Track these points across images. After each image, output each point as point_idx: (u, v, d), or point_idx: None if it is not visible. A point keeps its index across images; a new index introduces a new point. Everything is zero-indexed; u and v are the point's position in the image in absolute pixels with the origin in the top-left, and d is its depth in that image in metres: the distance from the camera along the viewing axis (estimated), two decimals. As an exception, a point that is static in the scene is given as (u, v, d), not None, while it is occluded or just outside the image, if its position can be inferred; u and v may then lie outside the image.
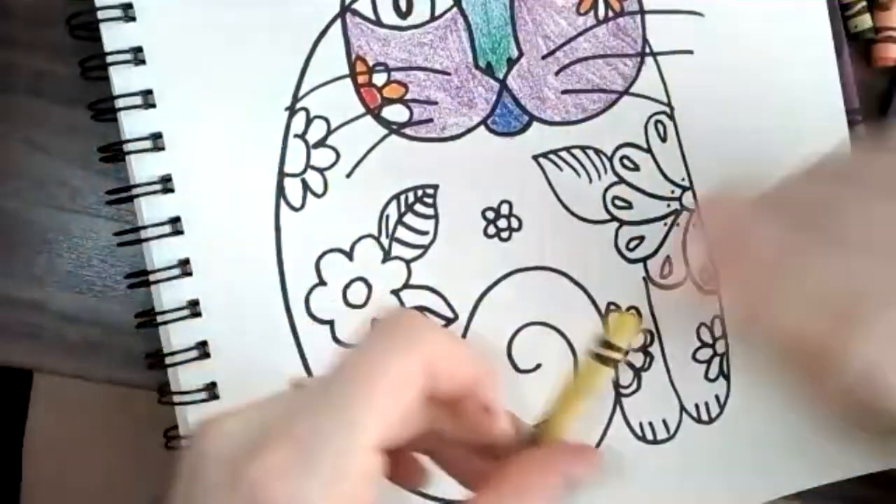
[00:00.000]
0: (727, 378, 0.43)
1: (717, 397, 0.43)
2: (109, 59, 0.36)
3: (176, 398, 0.36)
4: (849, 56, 0.45)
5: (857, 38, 0.46)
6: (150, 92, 0.36)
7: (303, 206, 0.38)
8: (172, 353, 0.36)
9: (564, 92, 0.41)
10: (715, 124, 0.43)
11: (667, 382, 0.42)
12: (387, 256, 0.39)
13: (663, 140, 0.43)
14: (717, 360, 0.43)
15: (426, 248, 0.40)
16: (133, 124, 0.36)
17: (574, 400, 0.28)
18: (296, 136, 0.38)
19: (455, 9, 0.40)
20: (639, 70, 0.43)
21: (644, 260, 0.42)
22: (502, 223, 0.41)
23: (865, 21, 0.45)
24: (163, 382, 0.37)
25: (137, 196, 0.36)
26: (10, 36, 0.38)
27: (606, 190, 0.42)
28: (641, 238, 0.42)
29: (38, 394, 0.63)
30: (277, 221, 0.38)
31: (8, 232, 0.38)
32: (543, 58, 0.41)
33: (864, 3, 0.45)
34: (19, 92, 0.39)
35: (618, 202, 0.42)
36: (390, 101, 0.39)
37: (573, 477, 0.27)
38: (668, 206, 0.43)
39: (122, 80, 0.36)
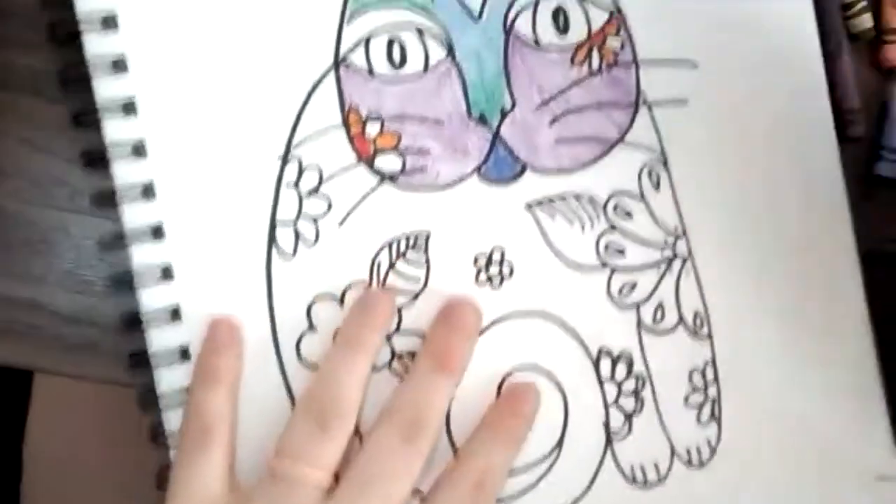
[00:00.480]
0: (719, 423, 0.44)
1: (708, 442, 0.43)
2: (101, 111, 0.37)
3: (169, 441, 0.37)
4: (849, 56, 0.45)
5: (857, 38, 0.46)
6: (141, 142, 0.37)
7: (294, 254, 0.39)
8: (164, 399, 0.37)
9: (558, 141, 0.42)
10: (709, 172, 0.44)
11: (658, 427, 0.43)
12: (378, 303, 0.40)
13: (657, 188, 0.43)
14: (708, 404, 0.43)
15: (417, 294, 0.40)
16: (124, 174, 0.37)
17: None
18: (288, 185, 0.39)
19: (448, 60, 0.41)
20: (633, 119, 0.43)
21: (636, 306, 0.43)
22: (494, 270, 0.41)
23: (865, 21, 0.45)
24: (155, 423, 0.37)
25: (128, 245, 0.37)
26: (10, 35, 0.39)
27: (599, 237, 0.42)
28: (634, 285, 0.43)
29: (38, 394, 0.64)
30: (269, 269, 0.39)
31: (7, 232, 0.39)
32: (537, 108, 0.41)
33: (864, 3, 0.45)
34: (19, 91, 0.39)
35: (610, 249, 0.42)
36: (383, 151, 0.40)
37: None
38: (662, 253, 0.43)
39: (114, 130, 0.37)
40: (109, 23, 0.38)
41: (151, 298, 0.38)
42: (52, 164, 0.39)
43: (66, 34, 0.37)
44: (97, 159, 0.37)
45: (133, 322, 0.38)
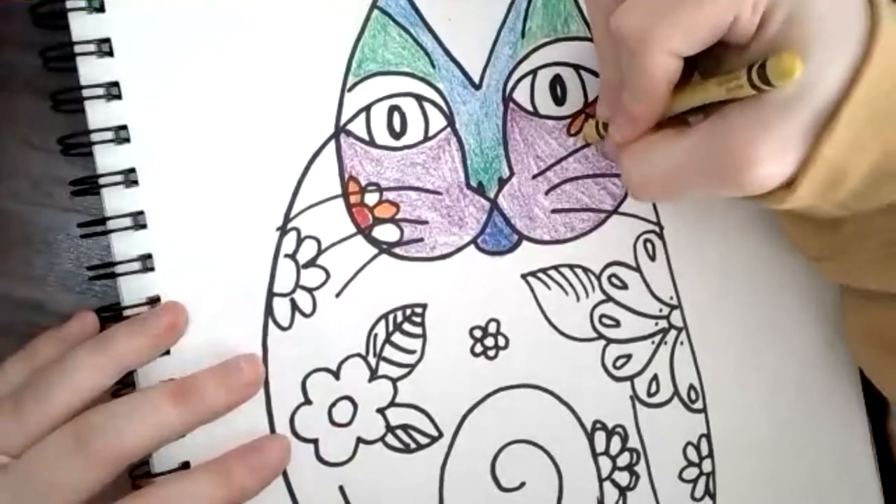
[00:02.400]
0: (713, 497, 0.43)
1: (702, 516, 0.43)
2: (102, 181, 0.36)
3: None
4: None
5: None
6: (141, 213, 0.36)
7: (291, 325, 0.38)
8: (157, 475, 0.36)
9: (554, 211, 0.42)
10: (703, 243, 0.44)
11: (652, 502, 0.42)
12: (373, 375, 0.39)
13: (652, 259, 0.43)
14: (703, 479, 0.43)
15: (413, 366, 0.40)
16: (123, 246, 0.37)
17: (700, 93, 0.32)
18: (286, 255, 0.38)
19: (448, 129, 0.40)
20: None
21: (631, 378, 0.43)
22: (489, 342, 0.41)
23: None
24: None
25: (126, 318, 0.36)
26: (9, 35, 0.39)
27: (594, 308, 0.42)
28: (629, 356, 0.42)
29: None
30: (265, 341, 0.38)
31: (7, 232, 0.39)
32: (534, 177, 0.41)
33: None
34: (18, 91, 0.39)
35: (605, 320, 0.42)
36: (382, 221, 0.40)
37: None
38: (656, 324, 0.43)
39: (114, 200, 0.37)
40: (113, 93, 0.37)
41: (147, 372, 0.37)
42: (52, 164, 0.39)
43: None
44: (98, 234, 0.37)
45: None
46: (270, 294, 0.38)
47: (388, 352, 0.39)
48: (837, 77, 0.29)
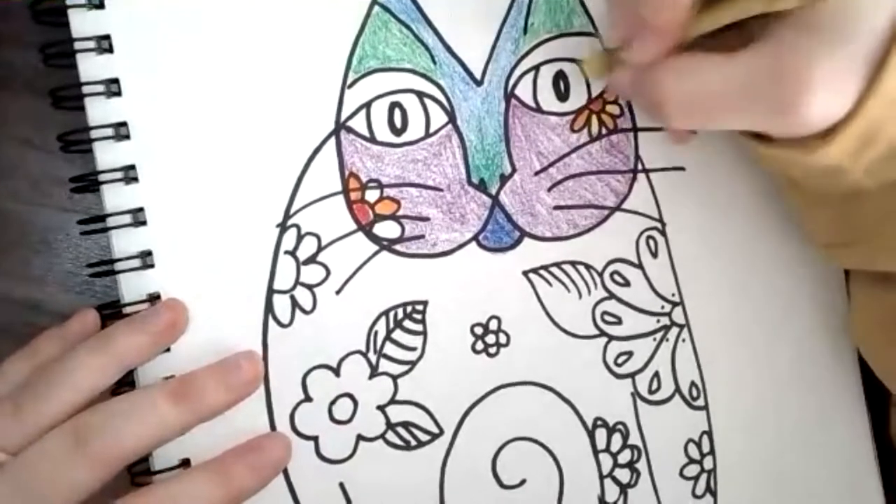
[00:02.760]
0: (714, 495, 0.43)
1: (704, 514, 0.43)
2: (102, 177, 0.36)
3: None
4: None
5: None
6: (140, 210, 0.36)
7: (291, 322, 0.38)
8: (157, 472, 0.36)
9: (556, 208, 0.41)
10: (706, 240, 0.44)
11: (653, 500, 0.42)
12: (374, 372, 0.39)
13: (654, 256, 0.43)
14: (704, 476, 0.43)
15: (413, 363, 0.40)
16: (123, 243, 0.37)
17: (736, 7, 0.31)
18: (286, 252, 0.38)
19: (449, 125, 0.40)
20: (631, 186, 0.43)
21: (632, 375, 0.42)
22: (490, 339, 0.41)
23: None
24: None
25: (126, 315, 0.36)
26: (9, 35, 0.39)
27: (596, 305, 0.42)
28: (630, 353, 0.42)
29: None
30: (265, 338, 0.38)
31: (6, 232, 0.39)
32: (536, 174, 0.41)
33: None
34: (17, 91, 0.39)
35: (607, 317, 0.42)
36: (382, 218, 0.39)
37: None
38: (658, 321, 0.43)
39: (114, 198, 0.37)
40: (113, 90, 0.37)
41: (147, 370, 0.37)
42: (51, 163, 0.39)
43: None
44: (98, 231, 0.37)
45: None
46: (270, 291, 0.38)
47: (389, 349, 0.39)
48: (888, 15, 0.28)
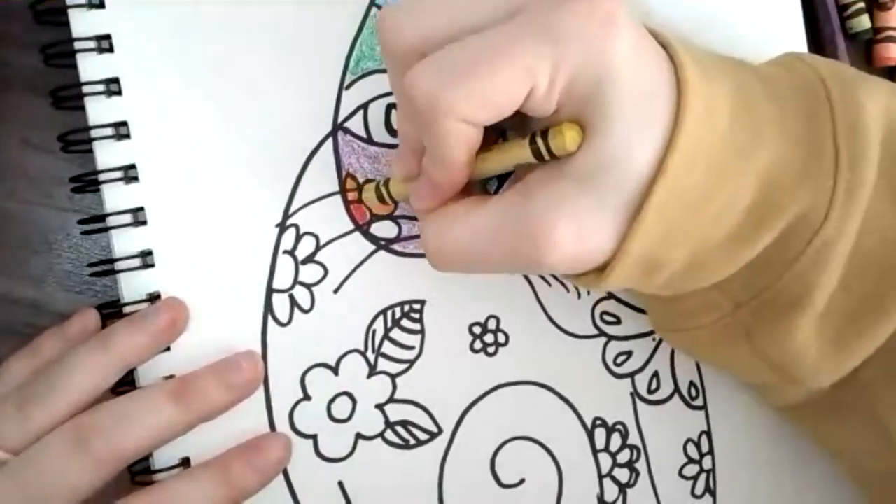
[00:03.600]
0: (713, 494, 0.43)
1: (703, 513, 0.43)
2: (102, 177, 0.37)
3: None
4: (846, 58, 0.45)
5: (856, 38, 0.46)
6: (141, 209, 0.37)
7: (290, 321, 0.38)
8: (157, 472, 0.36)
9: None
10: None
11: (652, 499, 0.42)
12: (372, 371, 0.39)
13: (653, 255, 0.43)
14: (703, 476, 0.43)
15: (412, 362, 0.40)
16: (123, 242, 0.37)
17: (508, 155, 0.30)
18: (285, 252, 0.39)
19: (447, 126, 0.40)
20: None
21: (631, 375, 0.42)
22: (489, 338, 0.41)
23: (863, 22, 0.46)
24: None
25: (126, 314, 0.36)
26: (8, 35, 0.39)
27: (595, 305, 0.42)
28: (629, 353, 0.42)
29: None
30: (264, 337, 0.38)
31: (6, 232, 0.39)
32: (536, 171, 0.41)
33: (861, 5, 0.46)
34: (17, 91, 0.39)
35: (606, 317, 0.42)
36: (379, 218, 0.40)
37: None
38: (657, 321, 0.43)
39: (114, 197, 0.37)
40: (113, 89, 0.38)
41: (147, 369, 0.37)
42: (51, 163, 0.39)
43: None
44: (98, 231, 0.37)
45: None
46: (270, 290, 0.38)
47: (387, 348, 0.40)
48: (644, 163, 0.28)
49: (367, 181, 0.39)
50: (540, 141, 0.29)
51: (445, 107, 0.27)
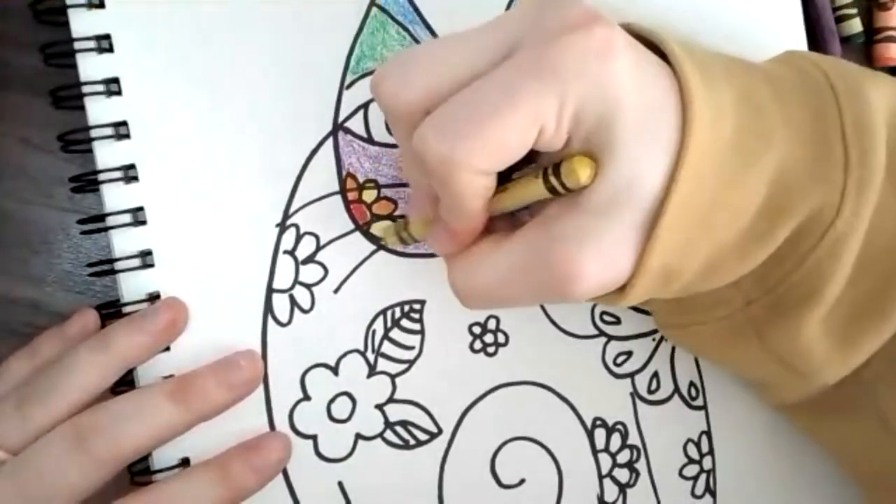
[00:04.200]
0: (713, 495, 0.43)
1: (703, 514, 0.43)
2: (102, 177, 0.37)
3: None
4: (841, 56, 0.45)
5: (849, 41, 0.47)
6: (140, 209, 0.37)
7: (290, 321, 0.38)
8: (157, 472, 0.36)
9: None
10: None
11: (652, 499, 0.42)
12: (372, 371, 0.39)
13: (653, 255, 0.43)
14: (703, 476, 0.43)
15: (412, 362, 0.40)
16: (123, 242, 0.37)
17: (525, 191, 0.30)
18: (285, 252, 0.38)
19: (447, 126, 0.40)
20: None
21: (631, 375, 0.42)
22: (489, 338, 0.41)
23: (853, 26, 0.46)
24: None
25: (126, 314, 0.36)
26: (8, 35, 0.39)
27: (595, 305, 0.42)
28: (629, 353, 0.42)
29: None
30: (264, 337, 0.38)
31: (6, 232, 0.39)
32: (535, 172, 0.41)
33: (853, 10, 0.46)
34: (17, 91, 0.39)
35: (606, 317, 0.42)
36: (379, 217, 0.40)
37: None
38: (657, 321, 0.43)
39: (114, 197, 0.37)
40: (113, 89, 0.38)
41: (147, 368, 0.37)
42: (51, 163, 0.39)
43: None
44: (98, 231, 0.37)
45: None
46: (270, 290, 0.38)
47: (387, 348, 0.40)
48: (656, 180, 0.28)
49: (389, 222, 0.39)
50: (553, 179, 0.29)
51: (459, 162, 0.27)
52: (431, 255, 0.40)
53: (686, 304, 0.35)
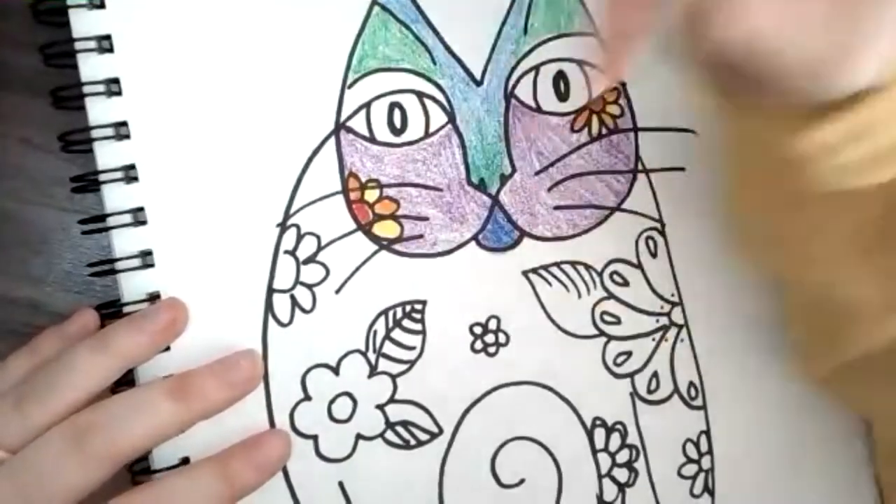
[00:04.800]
0: (712, 494, 0.43)
1: (702, 513, 0.43)
2: (102, 177, 0.37)
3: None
4: None
5: None
6: (141, 209, 0.37)
7: (290, 321, 0.38)
8: (157, 471, 0.36)
9: (556, 208, 0.41)
10: (705, 240, 0.44)
11: (651, 499, 0.42)
12: (373, 371, 0.39)
13: (654, 256, 0.43)
14: (702, 476, 0.43)
15: (412, 363, 0.40)
16: (123, 242, 0.37)
17: None
18: (286, 252, 0.38)
19: (449, 126, 0.40)
20: (631, 186, 0.43)
21: (631, 375, 0.43)
22: (490, 338, 0.41)
23: None
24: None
25: (126, 314, 0.36)
26: (8, 35, 0.39)
27: (595, 305, 0.42)
28: (629, 353, 0.42)
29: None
30: (265, 337, 0.38)
31: (6, 232, 0.39)
32: (536, 174, 0.41)
33: None
34: (17, 91, 0.39)
35: (606, 317, 0.42)
36: (382, 217, 0.39)
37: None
38: (657, 321, 0.43)
39: (114, 197, 0.37)
40: (113, 90, 0.37)
41: (147, 368, 0.37)
42: (51, 163, 0.39)
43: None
44: (98, 231, 0.37)
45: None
46: (270, 290, 0.38)
47: (388, 348, 0.40)
48: None
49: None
50: None
51: None
52: (432, 255, 0.40)
53: (787, 222, 0.33)
